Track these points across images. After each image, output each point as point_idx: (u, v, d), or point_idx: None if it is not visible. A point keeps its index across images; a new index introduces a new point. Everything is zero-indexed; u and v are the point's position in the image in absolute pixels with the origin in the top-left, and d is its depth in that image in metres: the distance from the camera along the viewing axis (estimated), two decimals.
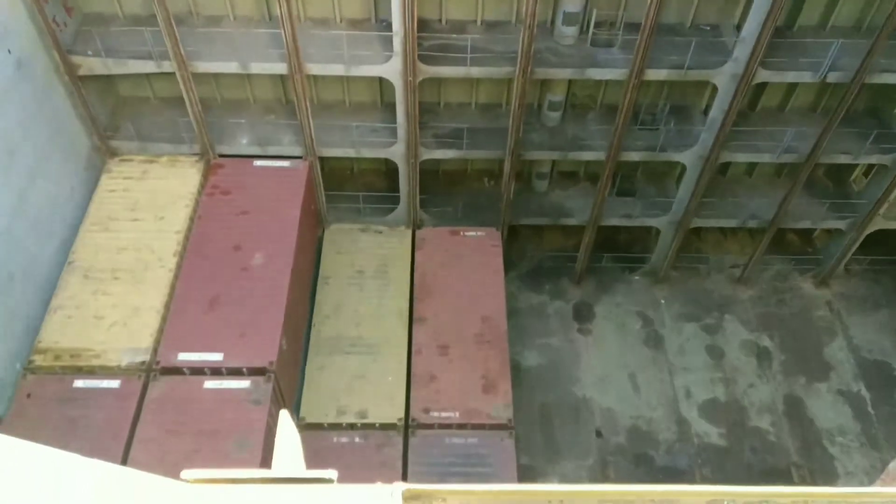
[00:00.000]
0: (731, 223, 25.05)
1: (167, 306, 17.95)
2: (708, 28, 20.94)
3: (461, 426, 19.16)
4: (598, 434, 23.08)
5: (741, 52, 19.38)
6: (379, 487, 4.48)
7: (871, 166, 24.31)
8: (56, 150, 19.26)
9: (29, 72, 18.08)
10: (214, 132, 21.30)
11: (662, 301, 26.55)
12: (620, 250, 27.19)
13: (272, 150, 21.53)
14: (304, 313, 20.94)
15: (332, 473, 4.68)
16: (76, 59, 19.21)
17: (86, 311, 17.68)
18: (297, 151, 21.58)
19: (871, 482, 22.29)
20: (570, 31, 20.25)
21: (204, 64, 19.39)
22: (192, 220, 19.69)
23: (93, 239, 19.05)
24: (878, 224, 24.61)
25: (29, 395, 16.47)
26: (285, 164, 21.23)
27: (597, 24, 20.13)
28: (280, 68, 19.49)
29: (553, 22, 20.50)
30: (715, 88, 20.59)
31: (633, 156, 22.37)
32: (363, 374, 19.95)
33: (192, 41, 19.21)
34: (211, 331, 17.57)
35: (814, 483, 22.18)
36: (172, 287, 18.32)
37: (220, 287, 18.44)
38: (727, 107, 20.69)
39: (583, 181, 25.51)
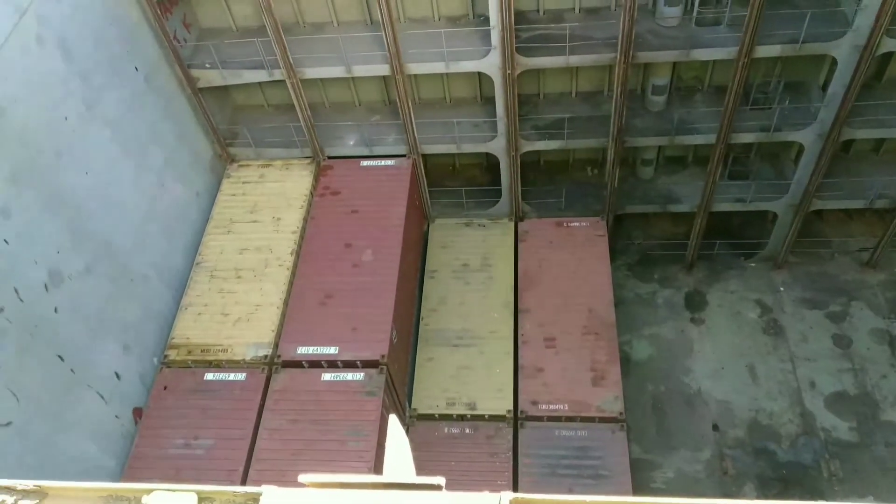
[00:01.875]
0: (856, 204, 23.39)
1: (286, 303, 18.96)
2: None
3: (570, 419, 19.10)
4: (715, 427, 22.29)
5: (863, 20, 18.07)
6: (487, 496, 4.62)
7: None
8: (182, 158, 20.74)
9: (155, 85, 19.56)
10: (323, 135, 22.22)
11: (781, 288, 25.21)
12: (734, 236, 26.02)
13: (378, 150, 22.19)
14: (413, 307, 21.49)
15: (439, 480, 4.87)
16: (195, 72, 20.58)
17: (213, 309, 18.98)
18: (402, 150, 22.14)
19: None
20: (674, 11, 19.58)
21: (311, 70, 20.25)
22: (305, 220, 20.67)
23: (217, 240, 20.40)
24: None
25: (165, 388, 17.90)
26: (390, 162, 21.84)
27: (702, 3, 19.35)
28: (382, 70, 20.05)
29: (654, 3, 19.90)
30: (834, 62, 19.31)
31: (746, 137, 21.36)
32: (471, 366, 20.27)
33: (299, 49, 20.10)
34: (326, 325, 18.39)
35: None
36: (290, 284, 19.33)
37: (333, 283, 19.26)
38: (849, 80, 19.35)
39: (691, 166, 24.61)
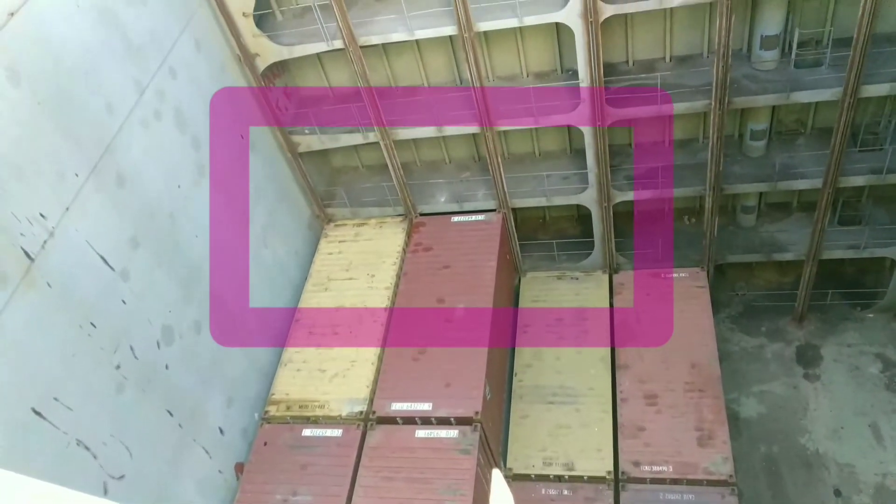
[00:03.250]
0: None
1: (380, 358, 19.17)
2: None
3: (676, 481, 18.06)
4: (837, 493, 20.48)
5: None
6: None
7: None
8: (282, 217, 21.71)
9: (259, 151, 20.70)
10: (415, 193, 22.74)
11: None
12: (848, 285, 24.36)
13: (468, 206, 22.45)
14: (506, 362, 21.22)
15: None
16: (296, 137, 21.65)
17: (311, 365, 19.43)
18: (491, 205, 22.29)
19: None
20: (770, 55, 19.04)
21: (404, 131, 20.89)
22: (398, 276, 21.01)
23: (315, 297, 21.02)
24: None
25: (266, 444, 18.31)
26: (480, 217, 22.01)
27: (800, 45, 18.73)
28: (472, 128, 20.41)
29: (749, 48, 19.44)
30: None
31: (856, 180, 20.20)
32: (567, 424, 19.66)
33: (392, 111, 20.81)
34: (419, 381, 18.41)
35: None
36: (384, 340, 19.55)
37: (426, 338, 19.34)
38: None
39: (796, 212, 23.41)
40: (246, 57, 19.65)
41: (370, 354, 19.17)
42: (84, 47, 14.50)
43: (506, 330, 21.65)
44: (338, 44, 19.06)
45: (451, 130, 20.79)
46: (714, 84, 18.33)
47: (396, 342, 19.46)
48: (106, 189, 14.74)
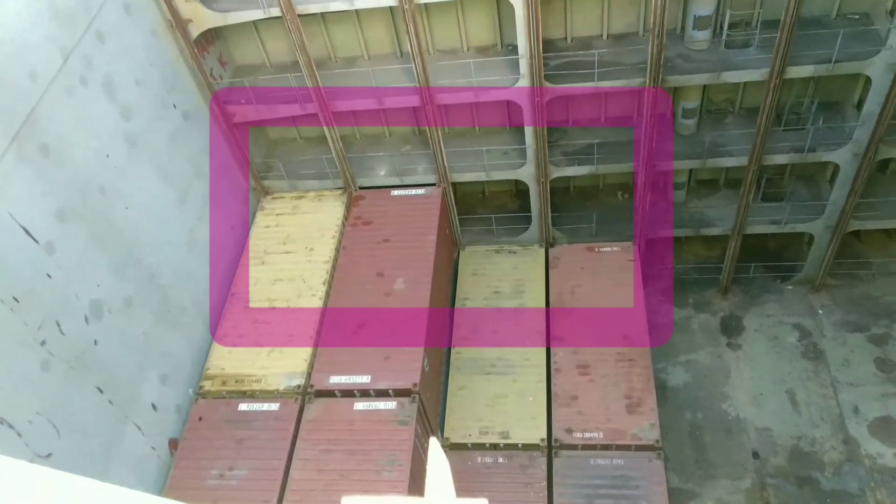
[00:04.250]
0: None
1: (318, 332, 19.13)
2: (857, 17, 19.45)
3: (606, 447, 18.80)
4: (755, 455, 21.74)
5: None
6: None
7: None
8: (218, 190, 21.20)
9: (194, 122, 20.11)
10: (355, 166, 22.57)
11: (820, 311, 24.66)
12: (769, 258, 25.61)
13: (408, 180, 22.45)
14: (444, 335, 21.50)
15: (482, 502, 4.87)
16: (231, 108, 21.10)
17: (248, 340, 19.23)
18: (432, 179, 22.35)
19: None
20: (703, 35, 19.57)
21: (343, 103, 20.63)
22: (337, 250, 20.92)
23: (252, 271, 20.72)
24: None
25: (200, 419, 18.11)
26: (421, 191, 22.05)
27: (731, 26, 19.31)
28: (413, 101, 20.33)
29: (683, 28, 19.93)
30: (868, 80, 19.05)
31: (779, 158, 21.12)
32: (504, 394, 20.13)
33: (331, 82, 20.51)
34: (359, 355, 18.49)
35: None
36: (322, 314, 19.51)
37: (365, 312, 19.40)
38: (884, 99, 19.04)
39: (724, 188, 24.36)
40: (178, 23, 18.96)
41: (308, 329, 19.12)
42: (3, 9, 13.73)
43: (445, 303, 21.88)
44: (275, 11, 18.60)
45: (391, 102, 20.65)
46: (649, 62, 18.74)
47: (335, 316, 19.46)
48: (29, 159, 14.12)
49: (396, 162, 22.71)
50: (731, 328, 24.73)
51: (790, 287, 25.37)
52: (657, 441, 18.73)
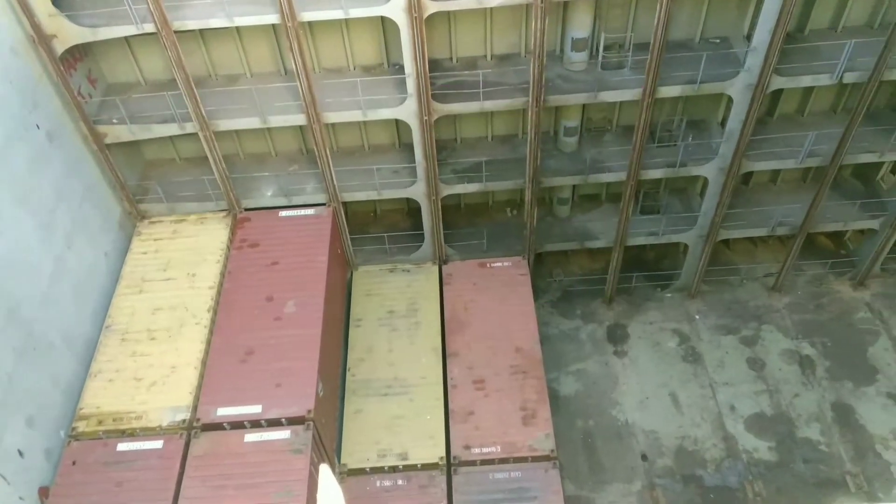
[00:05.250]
0: (759, 232, 24.73)
1: (204, 362, 18.19)
2: (717, 41, 20.95)
3: (503, 460, 19.00)
4: (644, 457, 22.68)
5: (753, 61, 19.34)
6: None
7: None
8: (89, 217, 19.81)
9: (59, 143, 18.71)
10: (239, 187, 21.78)
11: (697, 316, 26.20)
12: (649, 268, 26.99)
13: (297, 200, 21.91)
14: (338, 358, 21.07)
15: None
16: (102, 128, 19.84)
17: (125, 374, 17.99)
18: (321, 199, 21.93)
19: None
20: (580, 56, 20.41)
21: (225, 122, 19.90)
22: (222, 274, 20.04)
23: (128, 301, 19.45)
24: None
25: (74, 463, 16.70)
26: (310, 212, 21.58)
27: (606, 48, 20.27)
28: (299, 119, 19.92)
29: (562, 49, 20.71)
30: (730, 100, 20.53)
31: (654, 173, 22.30)
32: (401, 415, 19.93)
33: (212, 101, 19.75)
34: (248, 383, 17.73)
35: (871, 492, 21.51)
36: (208, 342, 18.59)
37: (254, 338, 18.65)
38: (744, 117, 20.60)
39: (605, 203, 25.48)
40: (41, 38, 17.62)
41: (192, 358, 18.14)
42: None
43: (338, 325, 21.46)
44: (149, 27, 17.69)
45: (276, 121, 20.14)
46: (531, 83, 19.33)
47: (222, 344, 18.58)
48: None
49: (283, 182, 22.14)
50: (616, 336, 25.78)
51: (669, 295, 26.81)
52: (552, 451, 19.13)
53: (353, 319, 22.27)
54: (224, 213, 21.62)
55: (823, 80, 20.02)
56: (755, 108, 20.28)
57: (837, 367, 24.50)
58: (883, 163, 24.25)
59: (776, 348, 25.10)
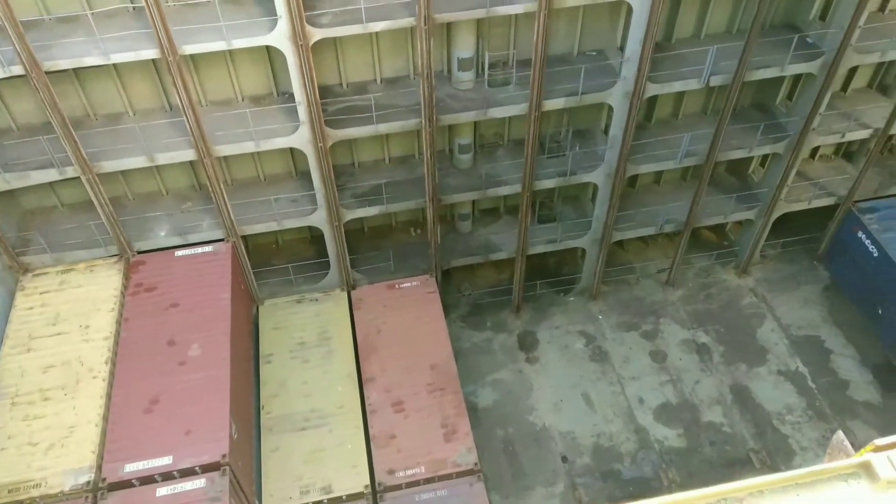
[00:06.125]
0: (649, 231, 26.09)
1: (105, 418, 17.24)
2: (594, 53, 22.06)
3: (429, 480, 19.00)
4: (564, 459, 23.30)
5: (628, 71, 20.49)
6: None
7: (765, 156, 25.91)
8: None
9: None
10: (130, 230, 20.86)
11: (600, 316, 27.27)
12: (551, 274, 27.89)
13: (193, 238, 21.21)
14: (250, 396, 20.46)
15: None
16: None
17: (18, 440, 16.77)
18: (219, 234, 21.34)
19: (824, 453, 23.27)
20: (467, 75, 20.96)
21: (109, 163, 19.05)
22: (119, 323, 19.10)
23: (15, 362, 18.17)
24: (782, 208, 26.17)
25: None
26: (208, 249, 20.96)
27: (491, 66, 20.91)
28: (188, 155, 19.35)
29: (449, 69, 21.19)
30: (611, 108, 21.64)
31: (547, 183, 23.13)
32: (321, 447, 19.58)
33: (93, 142, 18.88)
34: (156, 434, 16.94)
35: (774, 465, 22.99)
36: (108, 396, 17.64)
37: (158, 386, 17.88)
38: (625, 123, 21.75)
39: (504, 215, 26.17)
40: None
41: (92, 415, 17.15)
42: None
43: (247, 363, 20.88)
44: (17, 69, 16.74)
45: (164, 158, 19.46)
46: (422, 104, 19.66)
47: (123, 396, 17.67)
48: None
49: (177, 220, 21.39)
50: (527, 344, 26.43)
51: (572, 298, 27.78)
52: (476, 464, 19.32)
53: (263, 355, 21.71)
54: (115, 259, 20.63)
55: (692, 84, 21.46)
56: (634, 115, 21.47)
57: (731, 351, 26.14)
58: (752, 157, 26.20)
59: (675, 339, 26.50)
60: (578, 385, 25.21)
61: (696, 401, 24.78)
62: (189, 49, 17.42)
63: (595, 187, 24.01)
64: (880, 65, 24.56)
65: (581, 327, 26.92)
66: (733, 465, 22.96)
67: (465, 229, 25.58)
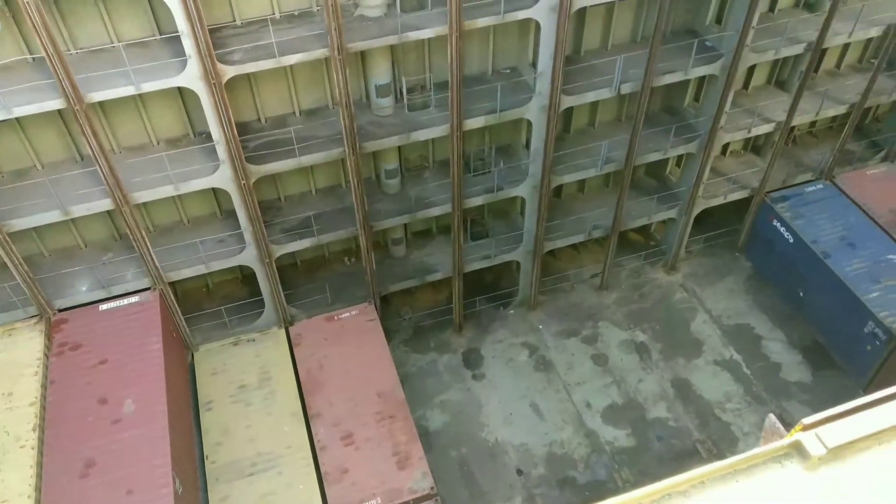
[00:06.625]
0: (579, 238, 26.70)
1: (38, 488, 16.28)
2: (508, 71, 22.57)
3: None
4: (519, 472, 23.36)
5: (542, 85, 21.02)
6: None
7: (680, 157, 26.99)
8: None
9: None
10: (49, 287, 19.94)
11: (540, 326, 27.63)
12: (490, 290, 28.12)
13: (117, 290, 20.43)
14: (192, 448, 19.74)
15: None
16: None
17: None
18: (145, 283, 20.64)
19: None
20: (386, 101, 21.07)
21: (19, 221, 18.18)
22: (44, 386, 18.15)
23: None
24: (700, 205, 27.25)
25: None
26: (134, 299, 20.23)
27: (409, 91, 21.10)
28: (105, 205, 18.68)
29: (368, 97, 21.26)
30: (529, 123, 22.13)
31: (476, 201, 23.39)
32: (272, 491, 19.05)
33: (0, 201, 18.00)
34: (95, 499, 16.14)
35: (720, 453, 23.68)
36: (39, 465, 16.67)
37: (93, 448, 17.06)
38: (544, 136, 22.27)
39: (437, 235, 26.29)
40: None
41: (24, 487, 16.15)
42: None
43: (186, 413, 20.16)
44: None
45: (79, 211, 18.72)
46: (344, 133, 19.62)
47: (56, 463, 16.75)
48: None
49: (99, 273, 20.57)
50: (472, 361, 26.50)
51: (512, 311, 28.07)
52: (432, 488, 19.17)
53: (203, 403, 21.02)
54: (35, 320, 19.64)
55: (605, 93, 22.18)
56: (552, 128, 22.02)
57: (668, 347, 26.90)
58: (668, 159, 27.23)
59: (614, 341, 27.08)
60: (526, 396, 25.40)
61: (641, 399, 25.33)
62: (96, 96, 16.87)
63: (523, 200, 24.44)
64: (776, 62, 26.01)
65: (523, 339, 27.19)
66: (682, 458, 23.52)
67: (400, 253, 25.56)
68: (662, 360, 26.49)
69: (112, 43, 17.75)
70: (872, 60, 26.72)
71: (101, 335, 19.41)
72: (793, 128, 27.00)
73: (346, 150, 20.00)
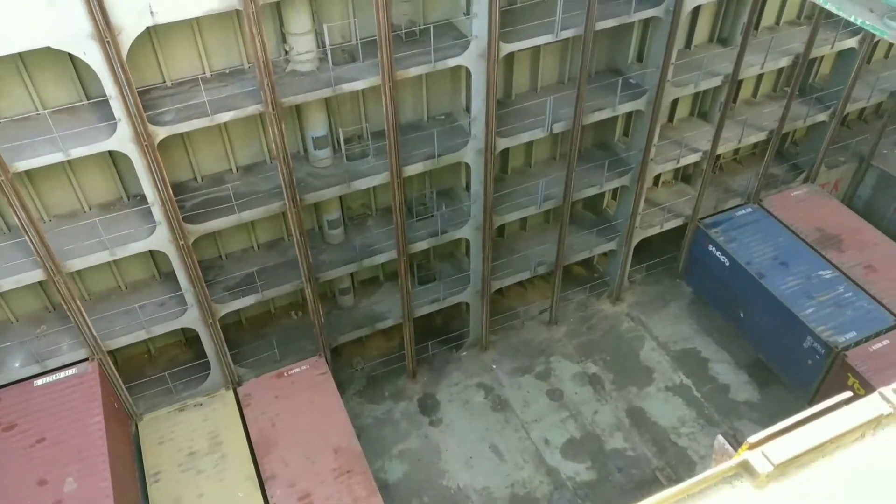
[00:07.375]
0: (524, 275, 27.00)
1: None
2: (443, 116, 22.99)
3: None
4: None
5: (477, 129, 21.46)
6: None
7: (615, 190, 27.78)
8: None
9: None
10: None
11: (493, 366, 27.62)
12: (441, 333, 28.03)
13: (52, 363, 19.55)
14: None
15: None
16: None
17: None
18: (82, 354, 19.82)
19: None
20: (324, 153, 21.14)
21: None
22: None
23: None
24: (639, 235, 28.00)
25: None
26: (71, 372, 19.40)
27: (346, 141, 21.24)
28: (36, 276, 18.00)
29: (305, 149, 21.28)
30: (468, 166, 22.48)
31: (421, 245, 23.48)
32: None
33: None
34: None
35: (678, 478, 23.86)
36: None
37: None
38: (483, 178, 22.64)
39: (385, 282, 26.20)
40: None
41: None
42: None
43: (132, 486, 19.22)
44: None
45: (8, 284, 17.97)
46: (283, 186, 19.53)
47: None
48: None
49: (33, 347, 19.67)
50: (428, 407, 26.21)
51: (465, 353, 28.01)
52: None
53: (150, 474, 20.11)
54: None
55: (538, 133, 22.79)
56: (490, 169, 22.42)
57: (620, 376, 27.21)
58: (604, 192, 27.99)
59: (567, 375, 27.25)
60: (485, 438, 25.19)
61: (598, 431, 25.44)
62: (22, 165, 16.41)
63: (467, 242, 24.66)
64: (697, 94, 27.27)
65: (478, 380, 27.09)
66: (643, 487, 23.61)
67: (348, 303, 25.32)
68: (615, 390, 26.75)
69: (37, 110, 17.35)
70: (786, 88, 28.28)
71: (37, 412, 18.47)
72: (718, 156, 28.21)
73: (287, 204, 19.88)
